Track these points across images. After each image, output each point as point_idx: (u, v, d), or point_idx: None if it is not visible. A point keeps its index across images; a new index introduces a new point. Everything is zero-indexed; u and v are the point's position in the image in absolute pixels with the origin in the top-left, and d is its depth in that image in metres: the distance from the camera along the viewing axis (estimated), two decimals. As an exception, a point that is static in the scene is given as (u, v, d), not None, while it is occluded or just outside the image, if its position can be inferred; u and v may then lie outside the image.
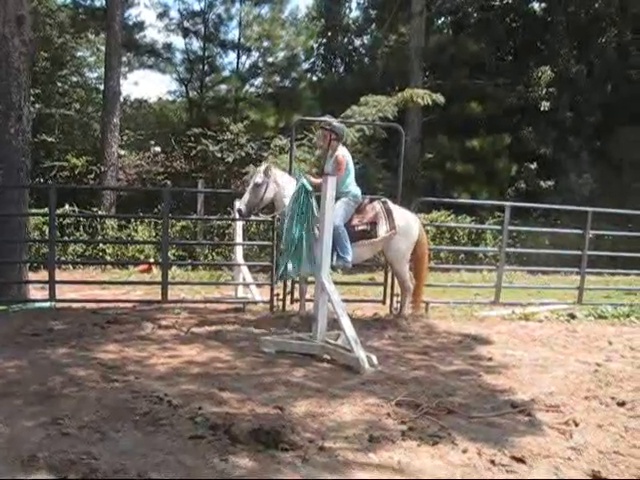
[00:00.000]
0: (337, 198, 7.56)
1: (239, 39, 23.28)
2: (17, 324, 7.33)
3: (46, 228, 14.12)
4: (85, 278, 12.69)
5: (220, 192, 16.21)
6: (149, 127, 23.29)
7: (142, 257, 15.04)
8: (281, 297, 8.70)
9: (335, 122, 8.25)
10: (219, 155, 16.99)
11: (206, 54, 23.30)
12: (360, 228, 7.91)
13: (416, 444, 3.98)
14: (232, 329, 7.39)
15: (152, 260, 14.59)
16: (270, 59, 23.83)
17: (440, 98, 17.32)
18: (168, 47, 23.81)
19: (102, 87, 21.98)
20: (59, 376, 5.26)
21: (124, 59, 20.63)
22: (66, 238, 14.13)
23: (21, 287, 9.07)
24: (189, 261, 14.24)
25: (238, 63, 23.66)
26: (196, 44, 23.67)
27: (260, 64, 23.75)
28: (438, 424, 4.32)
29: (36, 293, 9.42)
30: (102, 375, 5.32)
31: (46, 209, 12.22)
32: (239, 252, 9.87)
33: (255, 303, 8.90)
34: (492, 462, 3.77)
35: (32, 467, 3.51)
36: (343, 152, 7.94)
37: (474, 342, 7.22)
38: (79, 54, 23.10)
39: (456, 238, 17.43)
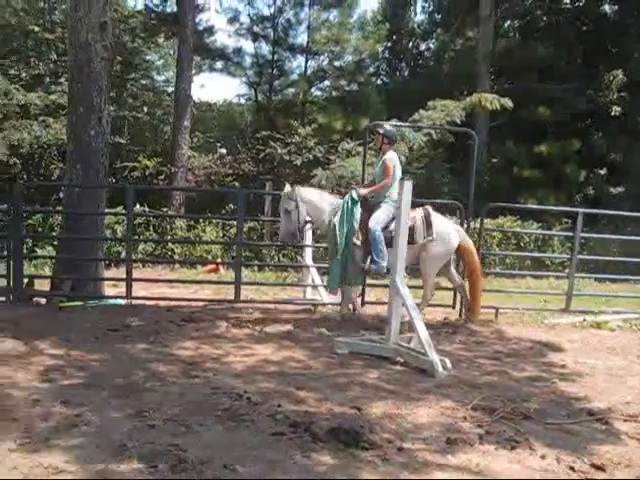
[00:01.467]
0: (379, 203, 7.95)
1: (307, 43, 23.45)
2: (95, 320, 7.58)
3: (117, 227, 14.55)
4: (155, 277, 12.97)
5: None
6: (218, 129, 23.66)
7: (209, 257, 15.28)
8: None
9: (388, 126, 8.39)
10: (287, 158, 17.17)
11: (275, 58, 23.54)
12: None
13: (493, 448, 4.01)
14: (304, 330, 7.49)
15: (219, 260, 14.83)
16: (337, 63, 23.93)
17: (508, 103, 17.14)
18: (238, 51, 24.15)
19: (170, 90, 22.51)
20: (141, 371, 5.45)
21: (194, 62, 20.98)
22: (138, 237, 14.49)
23: (96, 284, 9.34)
24: (257, 262, 14.39)
25: (306, 67, 23.86)
26: (265, 48, 23.97)
27: (327, 68, 23.86)
28: (514, 429, 4.34)
29: (108, 290, 9.69)
30: (182, 371, 5.49)
31: (119, 208, 12.66)
32: (308, 254, 9.96)
33: (324, 305, 8.98)
34: (572, 469, 3.77)
35: (123, 455, 3.66)
36: (391, 156, 8.03)
37: (546, 349, 7.17)
38: (148, 58, 23.64)
39: (522, 244, 17.21)
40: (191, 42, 18.31)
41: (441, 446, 4.00)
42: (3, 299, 8.68)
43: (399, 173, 8.03)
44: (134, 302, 8.85)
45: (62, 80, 16.40)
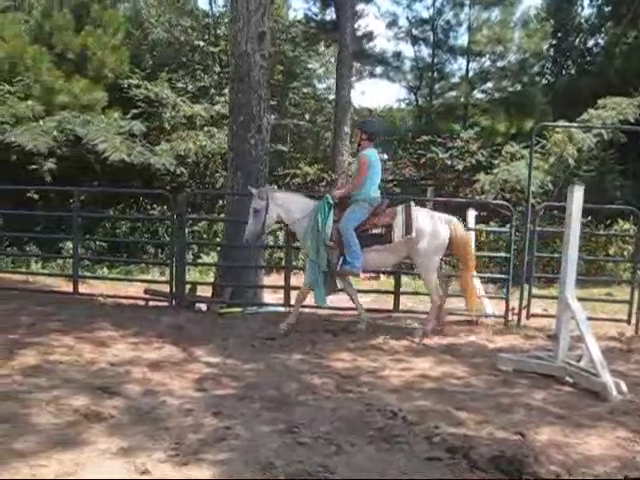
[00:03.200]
0: (353, 202, 7.47)
1: (468, 44, 22.91)
2: (253, 327, 7.60)
3: (279, 233, 14.72)
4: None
5: (449, 200, 15.91)
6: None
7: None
8: (516, 311, 8.27)
9: (373, 121, 7.77)
10: (448, 162, 16.73)
11: (435, 61, 23.19)
12: (374, 232, 7.40)
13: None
14: (465, 343, 7.14)
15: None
16: (500, 63, 23.18)
17: (690, 98, 15.73)
18: (397, 55, 24.04)
19: (331, 97, 22.69)
20: (294, 382, 5.34)
21: (354, 69, 21.03)
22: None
23: (256, 291, 9.43)
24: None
25: (467, 68, 23.31)
26: (425, 51, 23.70)
27: (489, 69, 23.18)
28: None
29: (268, 297, 9.75)
30: (336, 384, 5.32)
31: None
32: (470, 262, 9.52)
33: (487, 316, 8.52)
34: None
35: (270, 474, 3.53)
36: (368, 153, 7.53)
37: None
38: (309, 66, 23.97)
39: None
40: (350, 48, 18.33)
41: (618, 485, 3.55)
42: (166, 304, 8.96)
43: (378, 171, 7.59)
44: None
45: (225, 91, 16.90)
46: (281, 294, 9.12)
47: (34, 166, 14.39)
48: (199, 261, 13.47)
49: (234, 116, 9.21)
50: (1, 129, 15.03)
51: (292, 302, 8.40)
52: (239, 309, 8.67)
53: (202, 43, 19.48)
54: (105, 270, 13.75)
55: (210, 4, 23.15)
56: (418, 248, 7.40)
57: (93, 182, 15.66)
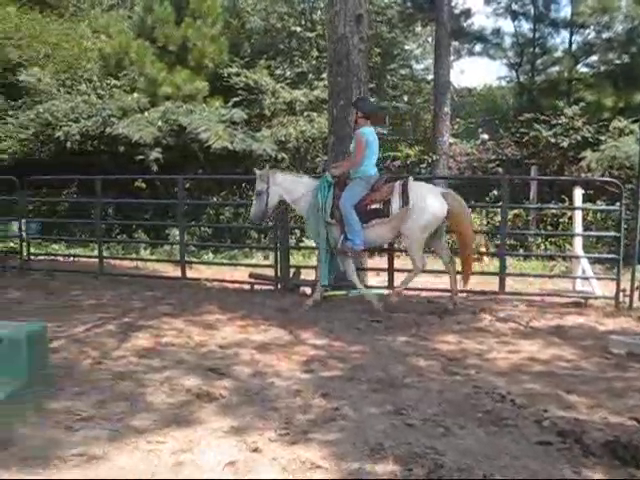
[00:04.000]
0: (352, 179, 7.67)
1: (571, 16, 21.96)
2: (357, 310, 7.62)
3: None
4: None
5: (555, 179, 15.43)
6: (478, 114, 23.11)
7: (473, 246, 14.85)
8: (628, 292, 7.95)
9: (367, 99, 8.41)
10: (552, 140, 16.15)
11: (536, 35, 22.35)
12: (372, 207, 7.55)
13: None
14: (573, 325, 6.93)
15: (483, 249, 14.39)
16: (606, 34, 22.11)
17: None
18: (497, 32, 23.29)
19: (429, 77, 22.35)
20: (400, 365, 5.33)
21: (452, 48, 20.63)
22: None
23: (359, 273, 9.43)
24: (522, 252, 13.74)
25: (570, 42, 22.30)
26: (525, 26, 22.80)
27: (594, 41, 22.16)
28: None
29: (370, 280, 9.74)
30: (443, 367, 5.28)
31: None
32: (578, 243, 9.22)
33: (596, 298, 8.23)
34: None
35: (379, 455, 3.53)
36: (364, 131, 7.64)
37: None
38: (406, 47, 23.69)
39: None
40: (448, 27, 17.96)
41: None
42: (271, 288, 9.11)
43: (375, 148, 7.72)
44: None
45: (323, 76, 16.91)
46: (383, 277, 9.10)
47: (141, 156, 14.85)
48: (302, 245, 13.56)
49: (334, 100, 9.22)
50: (109, 121, 15.60)
51: (396, 285, 8.40)
52: (343, 292, 8.71)
53: (299, 29, 19.55)
54: (210, 255, 14.08)
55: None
56: (410, 219, 7.42)
57: (197, 170, 16.01)
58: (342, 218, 7.55)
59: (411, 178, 7.72)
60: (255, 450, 3.61)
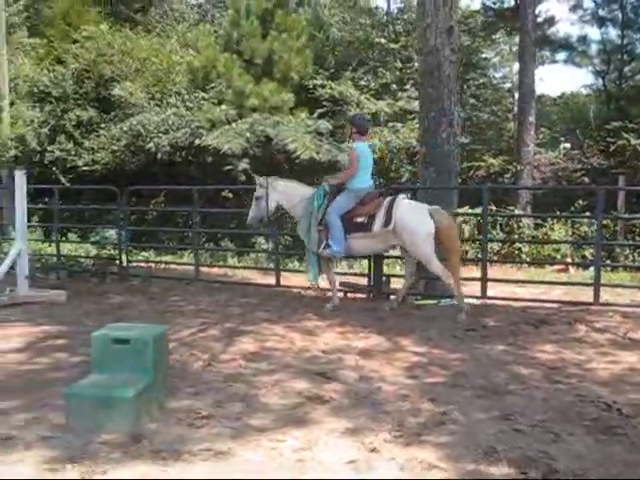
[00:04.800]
0: (342, 190, 8.06)
1: (662, 21, 21.56)
2: (451, 318, 7.70)
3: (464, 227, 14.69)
4: (500, 276, 12.84)
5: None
6: (562, 123, 22.81)
7: (558, 256, 14.72)
8: None
9: (362, 115, 9.07)
10: (642, 149, 15.94)
11: (624, 42, 21.96)
12: (357, 220, 7.95)
13: None
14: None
15: (568, 259, 14.23)
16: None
17: None
18: (583, 39, 23.04)
19: (507, 86, 22.19)
20: (501, 372, 5.42)
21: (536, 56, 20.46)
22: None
23: (448, 284, 9.49)
24: (610, 262, 13.51)
25: (661, 47, 21.85)
26: (613, 32, 22.48)
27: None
28: None
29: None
30: (544, 375, 5.35)
31: (466, 208, 12.82)
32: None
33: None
34: None
35: (492, 457, 3.65)
36: (358, 146, 8.08)
37: None
38: (484, 56, 23.61)
39: None
40: (533, 35, 17.89)
41: None
42: (362, 296, 9.28)
43: (368, 163, 8.12)
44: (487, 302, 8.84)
45: (407, 87, 17.08)
46: (475, 285, 9.15)
47: (229, 167, 15.26)
48: (387, 254, 13.68)
49: (425, 111, 9.36)
50: (198, 133, 16.09)
51: (488, 294, 8.47)
52: (433, 301, 8.81)
53: (383, 40, 19.74)
54: (296, 263, 14.34)
55: (388, 1, 23.39)
56: (405, 240, 7.83)
57: (282, 180, 16.31)
58: (327, 225, 8.00)
59: (401, 196, 8.12)
60: (373, 450, 3.78)
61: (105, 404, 4.12)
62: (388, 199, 7.99)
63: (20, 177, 9.16)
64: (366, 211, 7.95)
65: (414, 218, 7.79)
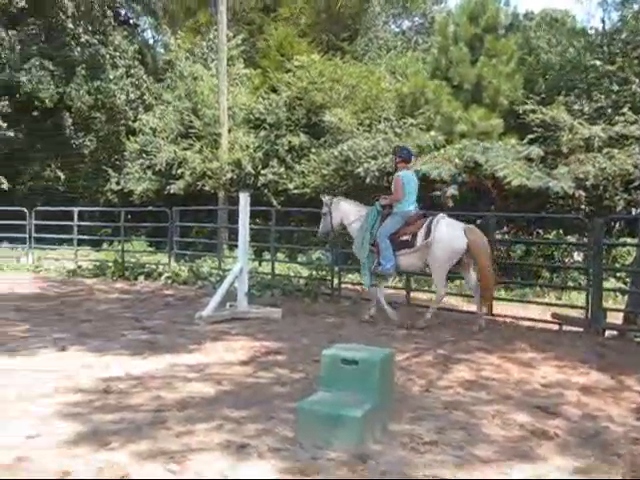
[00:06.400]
0: (390, 214, 9.07)
1: None
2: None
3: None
4: None
5: None
6: None
7: None
8: None
9: (402, 146, 10.47)
10: None
11: None
12: (403, 238, 8.86)
13: None
14: None
15: None
16: None
17: None
18: None
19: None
20: None
21: None
22: None
23: None
24: None
25: None
26: None
27: None
28: None
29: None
30: None
31: None
32: None
33: None
34: None
35: None
36: (402, 174, 9.02)
37: None
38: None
39: None
40: None
41: None
42: (577, 330, 8.95)
43: (412, 189, 9.04)
44: None
45: (624, 110, 16.19)
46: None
47: (437, 192, 15.34)
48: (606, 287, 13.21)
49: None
50: (406, 158, 16.34)
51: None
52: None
53: (598, 62, 18.93)
54: (502, 292, 14.08)
55: (602, 21, 22.42)
56: (434, 252, 8.64)
57: (489, 207, 16.10)
58: (378, 245, 8.96)
59: (441, 215, 8.97)
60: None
61: (334, 422, 4.30)
62: (430, 218, 8.85)
63: (244, 199, 9.80)
64: (411, 230, 8.88)
65: (450, 232, 8.65)
